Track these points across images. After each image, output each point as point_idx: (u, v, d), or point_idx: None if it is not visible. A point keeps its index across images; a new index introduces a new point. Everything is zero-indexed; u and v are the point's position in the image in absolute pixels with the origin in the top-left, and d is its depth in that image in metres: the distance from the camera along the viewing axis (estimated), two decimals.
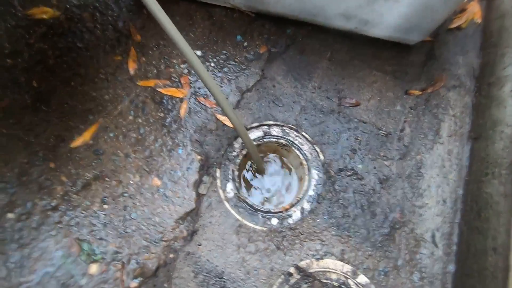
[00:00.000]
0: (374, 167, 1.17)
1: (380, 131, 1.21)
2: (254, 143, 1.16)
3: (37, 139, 1.16)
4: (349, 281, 0.94)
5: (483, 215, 0.96)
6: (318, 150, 1.18)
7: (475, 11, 1.37)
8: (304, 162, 1.15)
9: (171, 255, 1.05)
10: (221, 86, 1.27)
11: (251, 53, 1.32)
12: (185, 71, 1.29)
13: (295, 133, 1.20)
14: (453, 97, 1.26)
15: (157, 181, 1.13)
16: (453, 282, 0.97)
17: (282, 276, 0.96)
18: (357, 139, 1.20)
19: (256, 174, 1.23)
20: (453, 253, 1.04)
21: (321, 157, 1.17)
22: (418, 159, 1.18)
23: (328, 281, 0.94)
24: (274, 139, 1.19)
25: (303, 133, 1.20)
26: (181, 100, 1.25)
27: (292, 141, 1.18)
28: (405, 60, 1.31)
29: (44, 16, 1.32)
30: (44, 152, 1.14)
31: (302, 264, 0.97)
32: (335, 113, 1.23)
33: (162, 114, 1.22)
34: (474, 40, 1.33)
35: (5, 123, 1.16)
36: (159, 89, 1.25)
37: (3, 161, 1.12)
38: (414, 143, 1.20)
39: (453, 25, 1.35)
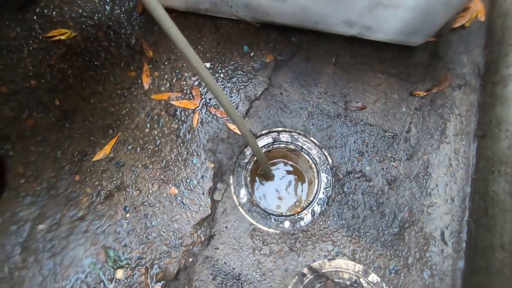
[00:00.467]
0: (382, 169, 1.20)
1: (387, 133, 1.25)
2: (263, 149, 1.21)
3: (63, 154, 1.24)
4: (361, 279, 0.98)
5: (490, 213, 0.99)
6: (326, 154, 1.22)
7: (478, 9, 1.38)
8: (313, 166, 1.20)
9: (191, 259, 1.11)
10: (231, 96, 1.33)
11: (258, 62, 1.38)
12: (196, 83, 1.35)
13: (304, 138, 1.25)
14: (458, 97, 1.28)
15: (174, 190, 1.20)
16: (462, 279, 1.00)
17: (296, 277, 1.01)
18: (364, 141, 1.23)
19: (264, 181, 1.29)
20: (463, 250, 1.07)
21: (330, 160, 1.21)
22: (425, 159, 1.21)
23: (341, 281, 0.98)
24: (283, 145, 1.24)
25: (311, 138, 1.24)
26: (194, 111, 1.31)
27: (301, 146, 1.23)
28: (409, 62, 1.34)
29: (63, 37, 1.41)
30: (70, 167, 1.23)
31: (315, 264, 1.02)
32: (342, 117, 1.27)
33: (176, 126, 1.29)
34: (478, 39, 1.34)
35: (33, 141, 1.25)
36: (172, 102, 1.32)
37: (33, 176, 1.21)
38: (421, 144, 1.23)
39: (457, 24, 1.37)
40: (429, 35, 1.20)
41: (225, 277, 1.09)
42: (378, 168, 1.20)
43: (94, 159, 1.24)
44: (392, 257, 1.09)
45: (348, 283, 0.98)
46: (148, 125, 1.29)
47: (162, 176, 1.22)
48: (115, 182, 1.21)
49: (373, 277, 0.98)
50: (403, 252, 1.09)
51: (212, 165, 1.23)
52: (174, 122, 1.30)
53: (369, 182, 1.18)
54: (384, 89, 1.31)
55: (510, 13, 1.17)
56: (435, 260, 1.08)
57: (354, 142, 1.24)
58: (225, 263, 1.10)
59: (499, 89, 1.11)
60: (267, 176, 1.27)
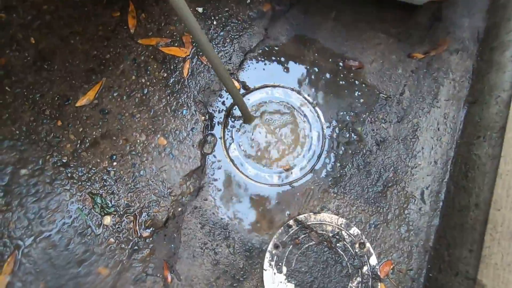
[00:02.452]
0: (373, 130, 1.21)
1: (381, 94, 1.24)
2: (258, 102, 1.17)
3: (42, 98, 1.16)
4: (343, 232, 1.03)
5: (469, 175, 1.04)
6: (319, 111, 1.21)
7: None
8: (306, 123, 1.19)
9: (179, 209, 1.13)
10: (224, 46, 1.26)
11: (255, 11, 1.29)
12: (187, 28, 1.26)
13: (297, 94, 1.22)
14: (455, 61, 1.27)
15: (163, 141, 1.17)
16: (436, 233, 1.08)
17: (282, 228, 1.05)
18: (358, 102, 1.23)
19: (244, 123, 1.22)
20: (439, 209, 1.14)
21: (322, 119, 1.20)
22: (414, 122, 1.23)
23: (324, 232, 1.03)
24: (276, 101, 1.21)
25: (305, 95, 1.22)
26: (184, 59, 1.24)
27: (294, 103, 1.21)
28: (410, 22, 1.29)
29: None
30: (51, 111, 1.16)
31: (301, 217, 1.06)
32: (338, 75, 1.25)
33: (165, 74, 1.22)
34: (483, 2, 1.30)
35: (8, 81, 1.16)
36: (161, 48, 1.24)
37: (11, 119, 1.14)
38: (412, 107, 1.24)
39: None
40: None
41: (213, 226, 1.11)
42: (369, 128, 1.21)
43: (77, 105, 1.17)
44: (373, 213, 1.14)
45: (330, 234, 1.03)
46: (135, 72, 1.22)
47: (150, 126, 1.18)
48: (100, 130, 1.16)
49: (354, 230, 1.03)
50: (384, 209, 1.15)
51: (203, 117, 1.20)
52: (163, 70, 1.23)
53: (359, 142, 1.20)
54: (383, 49, 1.27)
55: None
56: (413, 217, 1.15)
57: (348, 101, 1.23)
58: (213, 213, 1.12)
59: (496, 55, 1.10)
60: (247, 118, 1.20)
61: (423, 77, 1.26)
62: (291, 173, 1.16)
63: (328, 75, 1.24)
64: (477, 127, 1.09)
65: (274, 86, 1.23)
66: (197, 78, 1.23)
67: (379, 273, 0.99)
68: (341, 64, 1.25)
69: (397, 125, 1.22)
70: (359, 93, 1.23)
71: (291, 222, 1.06)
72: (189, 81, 1.22)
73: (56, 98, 1.17)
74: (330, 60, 1.26)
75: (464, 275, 0.92)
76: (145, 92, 1.20)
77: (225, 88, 1.20)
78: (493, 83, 1.07)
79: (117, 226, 1.09)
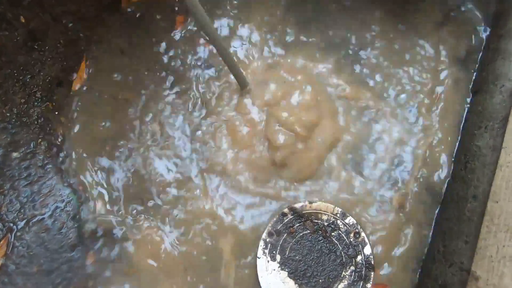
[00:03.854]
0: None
1: None
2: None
3: (33, 79, 1.13)
4: (338, 221, 1.02)
5: (469, 166, 1.02)
6: None
7: None
8: None
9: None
10: None
11: None
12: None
13: None
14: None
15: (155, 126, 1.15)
16: (435, 225, 1.07)
17: (277, 216, 1.04)
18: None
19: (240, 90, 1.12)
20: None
21: None
22: None
23: (319, 221, 1.03)
24: None
25: None
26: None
27: None
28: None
29: None
30: (42, 93, 1.13)
31: (297, 205, 1.05)
32: None
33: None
34: None
35: None
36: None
37: (1, 101, 1.11)
38: None
39: None
40: None
41: None
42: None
43: (69, 86, 1.14)
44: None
45: (326, 223, 1.02)
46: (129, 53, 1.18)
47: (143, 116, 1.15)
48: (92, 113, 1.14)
49: (350, 219, 1.03)
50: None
51: None
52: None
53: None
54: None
55: None
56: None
57: None
58: None
59: (503, 43, 1.06)
60: (241, 84, 1.09)
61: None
62: None
63: None
64: (479, 117, 1.06)
65: None
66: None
67: (372, 262, 0.98)
68: None
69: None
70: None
71: (286, 210, 1.05)
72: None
73: (48, 80, 1.14)
74: None
75: (458, 266, 0.92)
76: (140, 76, 1.17)
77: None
78: (498, 72, 1.04)
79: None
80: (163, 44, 1.19)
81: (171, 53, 1.18)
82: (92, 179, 1.09)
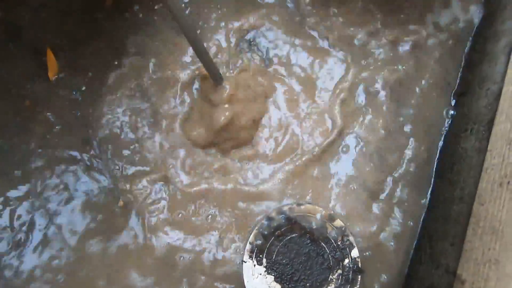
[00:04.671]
0: None
1: None
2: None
3: (10, 76, 1.08)
4: (326, 224, 1.01)
5: (455, 168, 1.02)
6: None
7: None
8: None
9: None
10: None
11: None
12: None
13: None
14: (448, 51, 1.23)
15: None
16: (422, 226, 1.07)
17: (264, 219, 1.02)
18: None
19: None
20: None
21: None
22: None
23: (307, 224, 1.01)
24: None
25: None
26: None
27: None
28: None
29: None
30: (18, 90, 1.08)
31: (284, 208, 1.03)
32: None
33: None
34: None
35: None
36: None
37: None
38: None
39: None
40: None
41: None
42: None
43: (46, 83, 1.09)
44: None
45: (314, 226, 1.01)
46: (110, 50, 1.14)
47: None
48: (73, 112, 1.09)
49: (338, 222, 1.01)
50: None
51: None
52: None
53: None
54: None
55: None
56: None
57: None
58: None
59: (489, 45, 1.07)
60: (215, 80, 1.02)
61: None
62: None
63: None
64: (465, 119, 1.07)
65: None
66: None
67: (360, 266, 0.97)
68: None
69: None
70: None
71: (273, 213, 1.03)
72: None
73: (24, 76, 1.08)
74: None
75: (444, 268, 0.92)
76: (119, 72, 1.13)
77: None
78: (484, 75, 1.05)
79: None
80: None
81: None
82: None
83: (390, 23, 1.19)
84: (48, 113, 1.07)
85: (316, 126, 1.12)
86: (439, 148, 1.13)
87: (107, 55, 1.12)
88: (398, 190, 1.09)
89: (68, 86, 1.09)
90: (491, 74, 1.02)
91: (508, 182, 0.77)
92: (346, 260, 0.98)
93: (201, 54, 0.90)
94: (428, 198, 1.09)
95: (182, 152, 1.08)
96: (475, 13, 1.20)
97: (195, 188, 1.05)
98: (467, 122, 1.05)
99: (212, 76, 1.01)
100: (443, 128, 1.14)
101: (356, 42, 1.19)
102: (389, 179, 1.10)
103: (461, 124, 1.08)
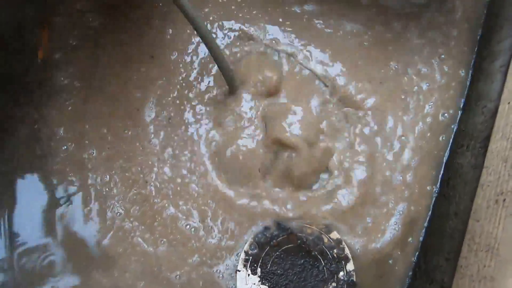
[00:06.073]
0: None
1: None
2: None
3: None
4: (322, 236, 1.01)
5: (451, 183, 1.03)
6: None
7: None
8: None
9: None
10: None
11: None
12: None
13: None
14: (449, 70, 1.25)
15: None
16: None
17: (260, 229, 1.01)
18: None
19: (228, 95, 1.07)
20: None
21: None
22: None
23: (303, 235, 1.00)
24: None
25: None
26: None
27: None
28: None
29: None
30: None
31: (281, 218, 1.02)
32: None
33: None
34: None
35: None
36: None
37: None
38: None
39: None
40: None
41: None
42: None
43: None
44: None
45: (310, 237, 1.00)
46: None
47: None
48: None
49: (334, 234, 1.01)
50: None
51: None
52: None
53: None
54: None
55: None
56: None
57: None
58: None
59: (486, 64, 1.09)
60: (231, 88, 1.03)
61: None
62: None
63: None
64: (461, 135, 1.08)
65: None
66: None
67: (354, 279, 0.97)
68: None
69: None
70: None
71: (269, 223, 1.02)
72: None
73: None
74: None
75: (439, 284, 0.92)
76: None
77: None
78: (480, 93, 1.07)
79: None
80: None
81: None
82: None
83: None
84: None
85: None
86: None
87: None
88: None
89: None
90: (488, 92, 1.04)
91: (504, 200, 0.78)
92: (341, 273, 0.97)
93: (218, 58, 0.89)
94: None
95: None
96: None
97: None
98: (464, 138, 1.06)
99: (228, 82, 1.00)
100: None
101: None
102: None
103: (459, 140, 1.09)
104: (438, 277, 0.92)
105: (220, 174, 1.06)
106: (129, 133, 1.09)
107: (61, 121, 1.07)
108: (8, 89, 1.06)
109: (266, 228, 1.01)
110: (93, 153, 1.06)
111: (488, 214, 0.83)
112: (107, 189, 1.04)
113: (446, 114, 1.13)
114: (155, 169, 1.07)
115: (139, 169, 1.06)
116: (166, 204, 1.04)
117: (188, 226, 1.03)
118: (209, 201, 1.05)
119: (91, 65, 1.11)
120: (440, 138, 1.11)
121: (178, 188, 1.06)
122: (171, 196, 1.05)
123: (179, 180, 1.06)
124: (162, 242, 1.01)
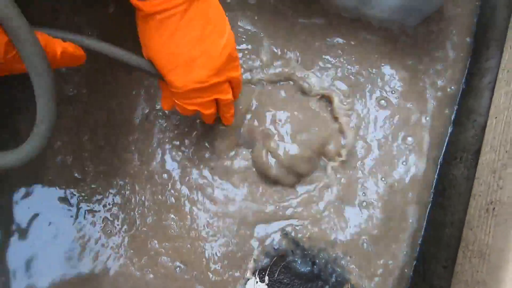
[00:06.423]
0: None
1: None
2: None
3: None
4: (328, 248, 1.06)
5: (446, 194, 1.09)
6: None
7: None
8: None
9: None
10: None
11: None
12: None
13: None
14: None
15: None
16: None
17: (269, 238, 1.07)
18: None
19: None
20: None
21: None
22: None
23: (310, 246, 1.06)
24: None
25: None
26: None
27: None
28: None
29: None
30: None
31: (288, 229, 1.08)
32: None
33: None
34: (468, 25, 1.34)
35: None
36: None
37: None
38: None
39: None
40: (425, 16, 1.19)
41: None
42: None
43: None
44: None
45: (316, 250, 1.06)
46: None
47: None
48: None
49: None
50: None
51: None
52: None
53: None
54: None
55: (497, 7, 1.20)
56: None
57: None
58: None
59: (475, 80, 1.17)
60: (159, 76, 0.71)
61: None
62: None
63: None
64: (454, 148, 1.15)
65: None
66: None
67: None
68: None
69: None
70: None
71: (279, 232, 1.08)
72: None
73: None
74: None
75: None
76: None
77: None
78: (471, 107, 1.14)
79: None
80: None
81: None
82: None
83: None
84: None
85: None
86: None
87: None
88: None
89: None
90: (477, 107, 1.11)
91: (494, 209, 0.85)
92: (346, 286, 1.03)
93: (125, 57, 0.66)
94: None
95: None
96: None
97: None
98: (456, 150, 1.13)
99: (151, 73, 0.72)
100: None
101: None
102: None
103: (452, 152, 1.16)
104: (436, 283, 0.98)
105: None
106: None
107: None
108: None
109: (275, 237, 1.07)
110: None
111: (480, 223, 0.89)
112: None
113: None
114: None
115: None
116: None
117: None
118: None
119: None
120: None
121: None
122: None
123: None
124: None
